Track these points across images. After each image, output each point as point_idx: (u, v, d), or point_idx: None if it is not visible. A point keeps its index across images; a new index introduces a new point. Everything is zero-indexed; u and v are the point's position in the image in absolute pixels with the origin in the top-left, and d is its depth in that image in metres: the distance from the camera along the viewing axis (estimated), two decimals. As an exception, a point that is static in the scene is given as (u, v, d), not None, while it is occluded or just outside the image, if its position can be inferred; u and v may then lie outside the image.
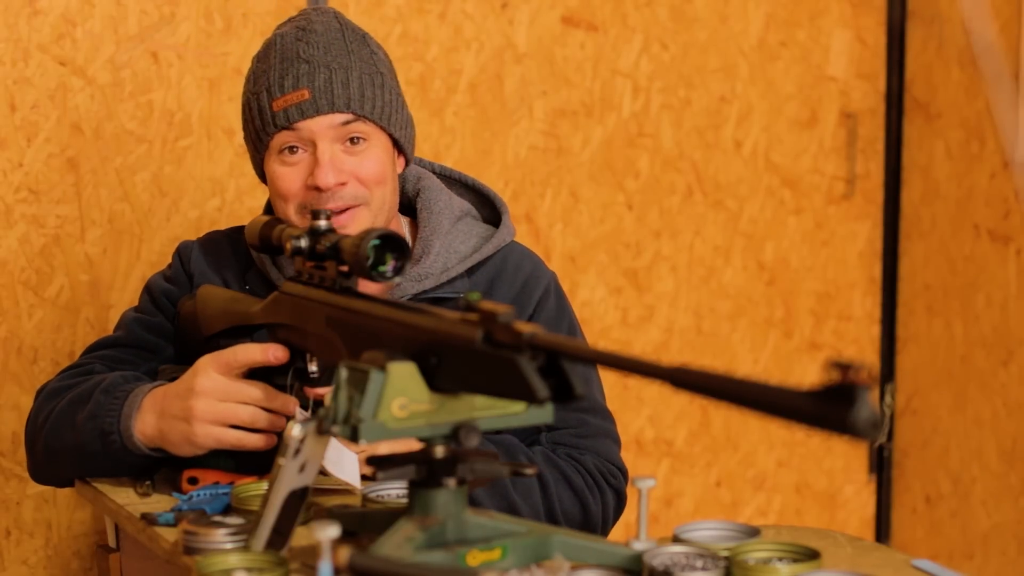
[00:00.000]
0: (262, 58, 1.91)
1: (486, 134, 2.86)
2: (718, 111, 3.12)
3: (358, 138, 1.86)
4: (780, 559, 1.39)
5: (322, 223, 1.59)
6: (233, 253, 2.01)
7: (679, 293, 3.12)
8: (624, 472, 1.92)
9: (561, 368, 1.29)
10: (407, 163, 1.98)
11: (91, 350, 1.99)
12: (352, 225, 1.85)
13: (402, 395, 1.34)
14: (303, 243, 1.60)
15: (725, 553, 1.38)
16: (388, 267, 1.51)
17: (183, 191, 2.57)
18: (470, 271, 1.96)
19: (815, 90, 3.22)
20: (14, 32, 2.42)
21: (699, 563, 1.36)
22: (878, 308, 3.35)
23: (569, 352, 1.28)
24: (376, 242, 1.50)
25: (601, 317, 3.03)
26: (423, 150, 2.78)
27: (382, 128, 1.89)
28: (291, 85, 1.85)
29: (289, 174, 1.86)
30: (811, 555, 1.39)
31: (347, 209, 1.85)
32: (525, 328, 1.27)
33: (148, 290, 2.03)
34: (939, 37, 3.20)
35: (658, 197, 3.07)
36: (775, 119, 3.19)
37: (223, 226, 2.13)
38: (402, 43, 2.76)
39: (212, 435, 1.71)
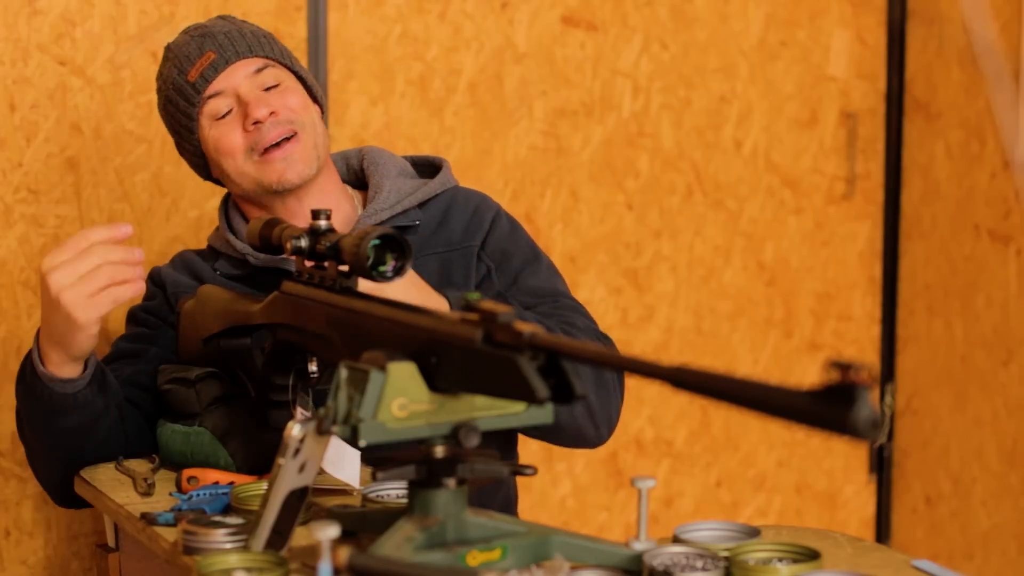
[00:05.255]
0: (165, 64, 2.06)
1: (486, 134, 2.86)
2: (718, 111, 3.12)
3: (272, 85, 2.01)
4: (780, 559, 1.39)
5: (322, 223, 1.59)
6: (198, 255, 2.12)
7: (679, 293, 3.12)
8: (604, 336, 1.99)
9: (561, 368, 1.29)
10: (323, 111, 2.10)
11: None
12: (296, 151, 1.98)
13: (402, 395, 1.34)
14: (303, 243, 1.60)
15: (725, 553, 1.38)
16: (388, 267, 1.51)
17: (183, 191, 2.57)
18: (421, 205, 2.07)
19: (815, 90, 3.22)
20: (14, 32, 2.42)
21: (699, 563, 1.36)
22: (878, 308, 3.35)
23: (569, 352, 1.28)
24: (376, 242, 1.50)
25: (601, 317, 3.03)
26: (423, 150, 2.78)
27: (289, 70, 2.04)
28: (196, 55, 2.00)
29: (226, 131, 2.00)
30: (811, 555, 1.39)
31: (289, 140, 1.97)
32: (525, 328, 1.28)
33: (127, 318, 2.12)
34: (939, 37, 3.20)
35: (658, 197, 3.07)
36: (775, 119, 3.19)
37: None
38: (402, 43, 2.76)
39: (83, 303, 1.71)
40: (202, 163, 2.06)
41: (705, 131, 3.11)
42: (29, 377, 1.83)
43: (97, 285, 1.72)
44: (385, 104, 2.75)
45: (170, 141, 2.55)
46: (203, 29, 2.04)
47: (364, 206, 2.10)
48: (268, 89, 2.00)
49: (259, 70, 2.01)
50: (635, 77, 3.01)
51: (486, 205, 2.10)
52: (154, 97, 2.53)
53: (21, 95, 2.43)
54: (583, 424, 1.90)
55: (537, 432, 1.92)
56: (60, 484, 1.95)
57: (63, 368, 1.81)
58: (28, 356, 1.85)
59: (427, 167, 2.18)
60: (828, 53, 3.23)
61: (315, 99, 2.09)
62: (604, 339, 1.98)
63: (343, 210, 2.07)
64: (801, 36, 3.19)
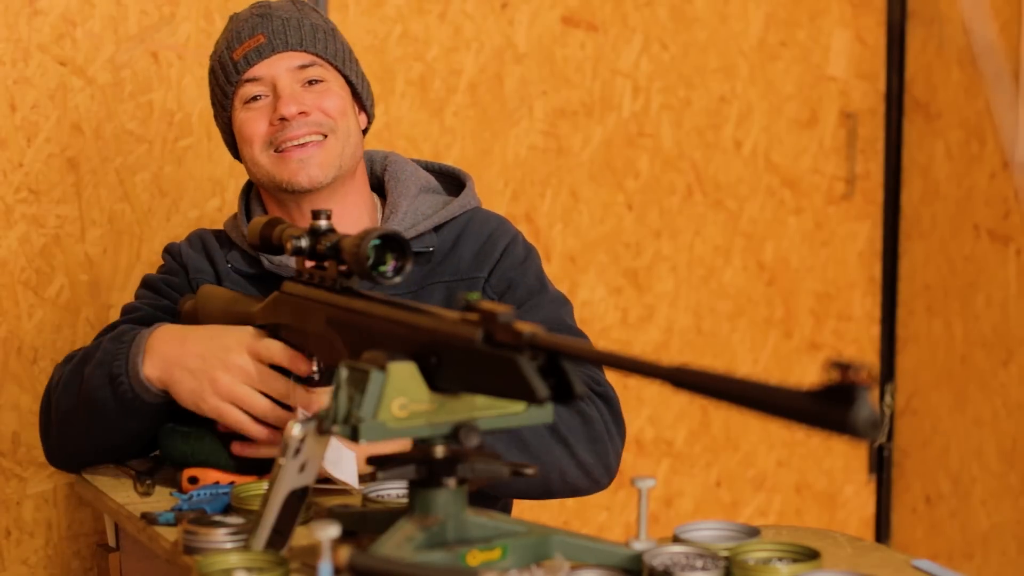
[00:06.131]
0: (222, 33, 2.02)
1: (486, 134, 2.86)
2: (718, 111, 3.12)
3: (316, 80, 1.97)
4: (780, 559, 1.39)
5: (322, 223, 1.59)
6: (217, 240, 2.07)
7: (679, 293, 3.12)
8: (602, 380, 1.90)
9: (561, 368, 1.29)
10: (369, 121, 2.06)
11: (102, 335, 1.99)
12: (317, 154, 1.93)
13: (402, 395, 1.34)
14: (303, 243, 1.60)
15: (725, 553, 1.39)
16: (388, 267, 1.51)
17: (183, 191, 2.57)
18: (437, 229, 2.01)
19: (815, 90, 3.23)
20: (14, 32, 2.42)
21: (699, 563, 1.36)
22: (878, 308, 3.36)
23: (569, 352, 1.28)
24: (376, 242, 1.50)
25: (601, 317, 3.03)
26: (423, 150, 2.78)
27: (338, 70, 1.99)
28: (247, 35, 1.96)
29: (254, 118, 1.96)
30: (811, 555, 1.39)
31: (313, 143, 1.93)
32: (525, 328, 1.28)
33: (146, 284, 2.07)
34: (939, 37, 3.20)
35: (658, 197, 3.07)
36: (775, 119, 3.19)
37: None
38: (402, 43, 2.76)
39: (220, 410, 1.73)
40: (231, 141, 2.03)
41: (705, 131, 3.11)
42: (116, 369, 1.78)
43: (250, 404, 1.72)
44: (385, 104, 2.75)
45: (170, 141, 2.56)
46: (265, 9, 1.98)
47: (382, 216, 2.06)
48: (311, 84, 1.96)
49: (304, 66, 1.96)
50: (635, 77, 3.01)
51: (501, 231, 2.03)
52: (154, 97, 2.54)
53: (22, 95, 2.44)
54: (579, 484, 1.85)
55: (535, 495, 1.88)
56: (70, 456, 1.92)
57: (151, 381, 1.78)
58: (119, 339, 1.80)
59: (451, 179, 2.12)
60: (828, 53, 3.23)
61: (363, 107, 2.04)
62: (598, 385, 1.89)
63: (363, 223, 2.02)
64: (801, 36, 3.19)
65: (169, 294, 2.03)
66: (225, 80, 1.97)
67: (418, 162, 2.14)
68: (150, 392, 1.77)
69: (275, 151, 1.94)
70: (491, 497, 1.92)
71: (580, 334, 1.97)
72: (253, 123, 1.95)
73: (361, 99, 2.03)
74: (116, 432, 1.84)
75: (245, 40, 1.95)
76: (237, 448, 1.78)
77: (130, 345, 1.79)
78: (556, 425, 1.80)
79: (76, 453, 1.91)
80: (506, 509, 2.10)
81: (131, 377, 1.77)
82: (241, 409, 1.73)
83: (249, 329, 1.75)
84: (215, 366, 1.72)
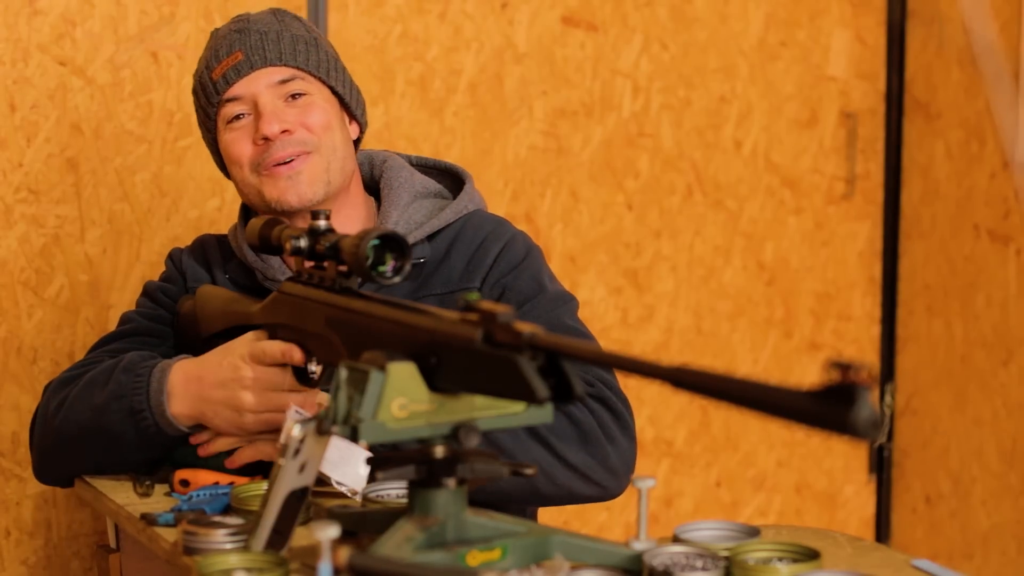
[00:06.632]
0: (204, 50, 1.98)
1: (486, 134, 2.86)
2: (718, 111, 3.12)
3: (299, 94, 1.91)
4: (780, 559, 1.39)
5: (322, 223, 1.59)
6: (219, 248, 2.05)
7: (679, 293, 3.12)
8: (608, 383, 1.82)
9: (561, 368, 1.29)
10: (361, 130, 2.01)
11: (95, 348, 1.99)
12: (305, 171, 1.88)
13: (402, 395, 1.34)
14: (302, 243, 1.60)
15: (725, 553, 1.39)
16: (388, 267, 1.51)
17: (183, 191, 2.57)
18: (431, 238, 1.96)
19: (815, 90, 3.23)
20: (14, 32, 2.42)
21: (699, 563, 1.36)
22: (878, 308, 3.35)
23: (569, 352, 1.28)
24: (376, 242, 1.50)
25: (601, 317, 3.03)
26: (423, 150, 2.78)
27: (322, 82, 1.93)
28: (225, 52, 1.91)
29: (238, 138, 1.91)
30: (811, 555, 1.39)
31: (299, 158, 1.88)
32: (525, 328, 1.27)
33: (145, 292, 2.07)
34: (939, 37, 3.20)
35: (658, 197, 3.07)
36: (775, 119, 3.19)
37: (223, 226, 2.16)
38: (402, 43, 2.76)
39: (266, 421, 1.73)
40: (220, 160, 1.99)
41: (705, 131, 3.11)
42: (137, 404, 1.77)
43: (282, 406, 1.72)
44: (385, 104, 2.75)
45: (170, 141, 2.56)
46: (244, 23, 1.93)
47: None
48: (295, 97, 1.90)
49: (285, 80, 1.90)
50: (635, 77, 3.01)
51: (494, 235, 1.96)
52: (154, 97, 2.54)
53: (21, 95, 2.43)
54: (575, 487, 1.79)
55: (524, 498, 1.83)
56: (68, 477, 1.91)
57: (180, 420, 1.78)
58: (134, 371, 1.79)
59: (451, 177, 2.07)
60: (828, 53, 3.23)
61: (354, 116, 1.98)
62: (591, 387, 1.80)
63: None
64: (801, 36, 3.19)
65: (165, 303, 2.02)
66: (207, 101, 1.93)
67: (418, 159, 2.10)
68: (174, 426, 1.78)
69: (264, 170, 1.89)
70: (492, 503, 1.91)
71: (580, 333, 1.91)
72: (238, 144, 1.91)
73: (350, 108, 1.97)
74: (131, 458, 1.84)
75: (223, 58, 1.91)
76: (201, 451, 1.79)
77: (148, 379, 1.78)
78: (534, 426, 1.75)
79: (72, 473, 1.90)
80: (533, 515, 2.08)
81: (156, 415, 1.77)
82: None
83: (247, 337, 1.75)
84: (234, 388, 1.73)
